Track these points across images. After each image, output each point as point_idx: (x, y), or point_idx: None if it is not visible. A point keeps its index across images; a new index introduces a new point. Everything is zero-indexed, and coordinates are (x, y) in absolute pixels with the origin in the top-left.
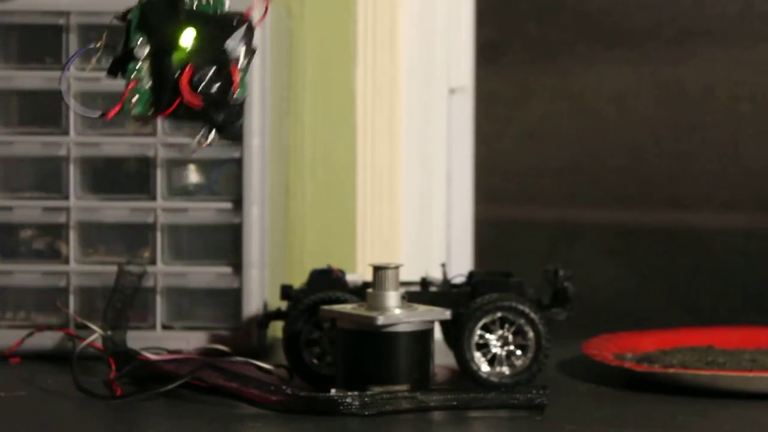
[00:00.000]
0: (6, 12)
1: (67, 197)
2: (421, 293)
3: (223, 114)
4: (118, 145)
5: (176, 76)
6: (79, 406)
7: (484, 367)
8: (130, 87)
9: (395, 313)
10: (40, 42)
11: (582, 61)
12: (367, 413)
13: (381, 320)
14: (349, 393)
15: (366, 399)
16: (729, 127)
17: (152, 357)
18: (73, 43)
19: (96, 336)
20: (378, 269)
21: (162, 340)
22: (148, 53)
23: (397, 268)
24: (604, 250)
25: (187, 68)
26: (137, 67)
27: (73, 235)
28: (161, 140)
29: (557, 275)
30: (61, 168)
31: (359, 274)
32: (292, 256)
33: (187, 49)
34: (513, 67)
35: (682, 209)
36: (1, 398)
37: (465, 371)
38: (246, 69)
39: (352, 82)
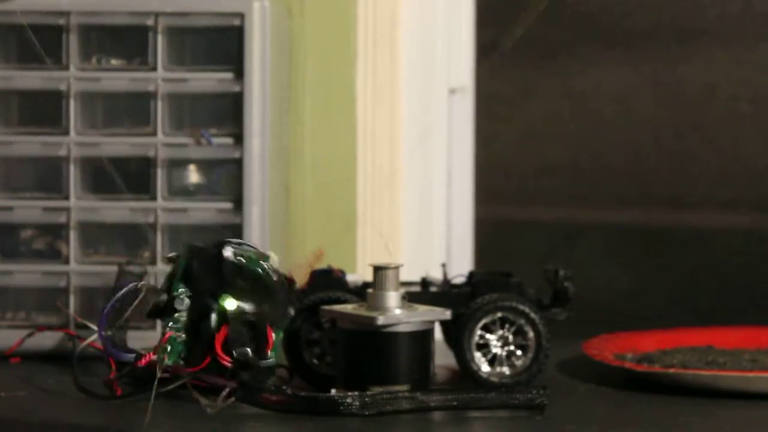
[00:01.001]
0: (6, 12)
1: (67, 197)
2: (421, 293)
3: (251, 374)
4: (118, 145)
5: (210, 334)
6: (79, 406)
7: (485, 367)
8: (166, 337)
9: (395, 313)
10: (40, 42)
11: (582, 61)
12: (367, 413)
13: (381, 320)
14: (349, 393)
15: (366, 399)
16: (729, 127)
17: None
18: (73, 43)
19: (96, 336)
20: (378, 269)
21: None
22: (187, 306)
23: (397, 268)
24: (604, 250)
25: (223, 328)
26: (175, 318)
27: (73, 235)
28: (161, 140)
29: (557, 275)
30: (61, 168)
31: (359, 274)
32: (292, 255)
33: (227, 309)
34: (513, 67)
35: (682, 209)
36: (1, 398)
37: (465, 371)
38: (281, 331)
39: (352, 82)
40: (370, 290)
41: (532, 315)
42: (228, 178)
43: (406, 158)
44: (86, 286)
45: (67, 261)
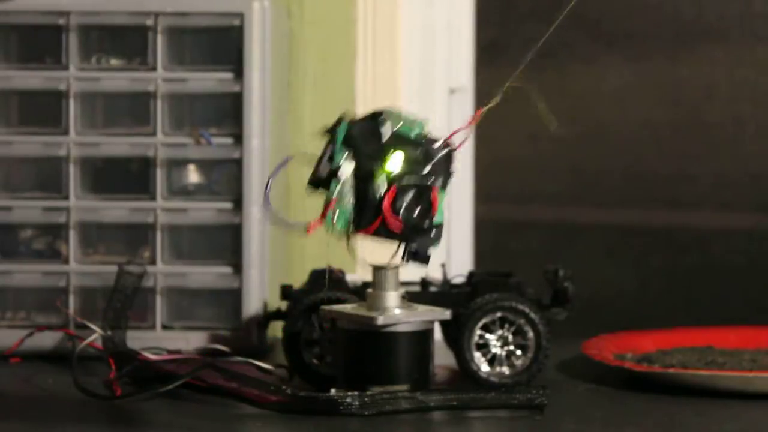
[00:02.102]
0: (6, 12)
1: (67, 197)
2: (421, 293)
3: (420, 238)
4: (118, 145)
5: (379, 197)
6: (79, 406)
7: (484, 367)
8: (332, 204)
9: (395, 313)
10: (40, 42)
11: (582, 61)
12: (367, 413)
13: (381, 320)
14: (349, 393)
15: (366, 399)
16: (729, 127)
17: (152, 357)
18: (73, 43)
19: (96, 336)
20: (378, 269)
21: (162, 340)
22: (352, 172)
23: (397, 268)
24: (604, 250)
25: (390, 191)
26: (340, 185)
27: (73, 235)
28: (161, 140)
29: (557, 275)
30: (61, 168)
31: (359, 274)
32: (292, 256)
33: (391, 172)
34: (513, 67)
35: (682, 209)
36: (1, 398)
37: (465, 371)
38: (445, 194)
39: (352, 82)
40: (369, 290)
41: (532, 315)
42: (228, 178)
43: None
44: (86, 286)
45: (66, 261)
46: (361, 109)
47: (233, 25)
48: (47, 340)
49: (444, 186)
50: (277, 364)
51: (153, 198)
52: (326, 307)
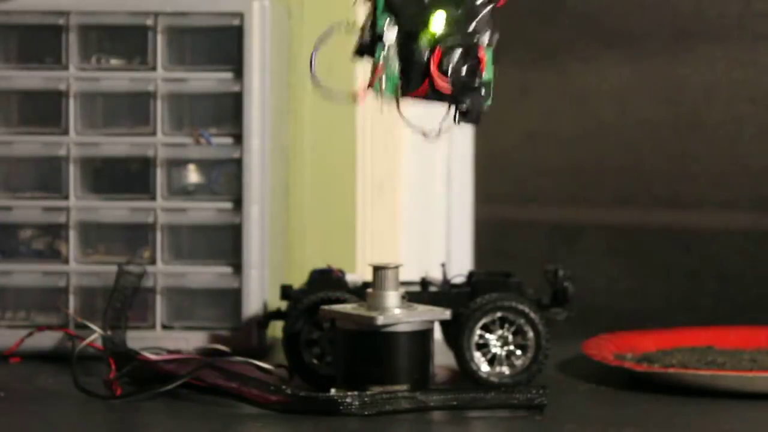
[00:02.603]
0: (6, 12)
1: (67, 197)
2: (421, 293)
3: (471, 97)
4: (118, 145)
5: (425, 59)
6: (79, 406)
7: (484, 367)
8: (379, 70)
9: (395, 313)
10: (40, 42)
11: (582, 61)
12: (367, 413)
13: (381, 320)
14: (349, 393)
15: (366, 399)
16: (729, 127)
17: (152, 357)
18: (73, 43)
19: (96, 336)
20: (378, 269)
21: (162, 340)
22: (396, 36)
23: (397, 268)
24: (604, 250)
25: (436, 51)
26: (386, 50)
27: (73, 235)
28: (161, 140)
29: (557, 275)
30: (61, 168)
31: (359, 274)
32: (292, 256)
33: (436, 33)
34: (513, 67)
35: (682, 209)
36: (1, 398)
37: (465, 371)
38: (491, 50)
39: (352, 81)
40: (369, 290)
41: (532, 315)
42: (228, 178)
43: (406, 158)
44: (86, 286)
45: (66, 261)
46: (361, 110)
47: (233, 25)
48: (47, 340)
49: (490, 43)
50: (277, 364)
51: (153, 198)
52: (326, 307)
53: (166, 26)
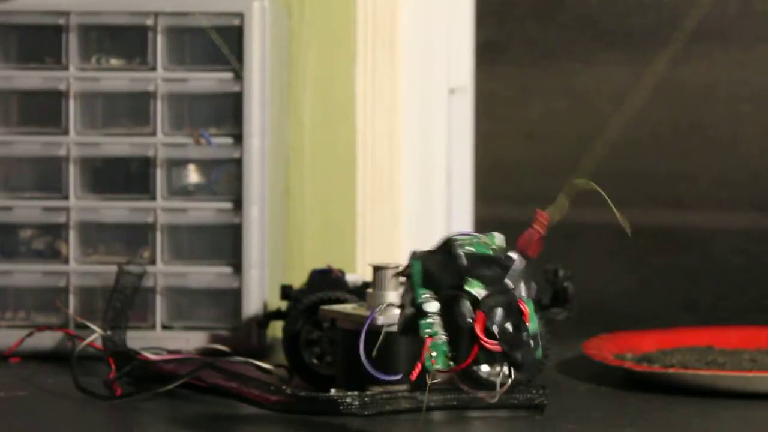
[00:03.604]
0: (6, 12)
1: (67, 197)
2: None
3: (522, 352)
4: (118, 145)
5: (469, 324)
6: (79, 406)
7: (484, 367)
8: (428, 344)
9: (395, 313)
10: (40, 42)
11: (582, 61)
12: (367, 413)
13: (381, 320)
14: (349, 393)
15: (366, 399)
16: (729, 127)
17: (152, 357)
18: (72, 43)
19: (96, 336)
20: (378, 269)
21: (162, 340)
22: (438, 308)
23: (397, 268)
24: (604, 250)
25: (478, 314)
26: (429, 323)
27: (73, 235)
28: (161, 140)
29: (557, 275)
30: (61, 168)
31: (359, 274)
32: (292, 256)
33: (475, 297)
34: (513, 67)
35: (682, 209)
36: (1, 398)
37: (465, 371)
38: (531, 301)
39: (352, 82)
40: (369, 290)
41: None
42: (228, 178)
43: (406, 158)
44: (86, 286)
45: (66, 261)
46: (361, 110)
47: (233, 25)
48: (47, 340)
49: (529, 294)
50: (277, 364)
51: (153, 198)
52: (326, 307)
53: (166, 26)
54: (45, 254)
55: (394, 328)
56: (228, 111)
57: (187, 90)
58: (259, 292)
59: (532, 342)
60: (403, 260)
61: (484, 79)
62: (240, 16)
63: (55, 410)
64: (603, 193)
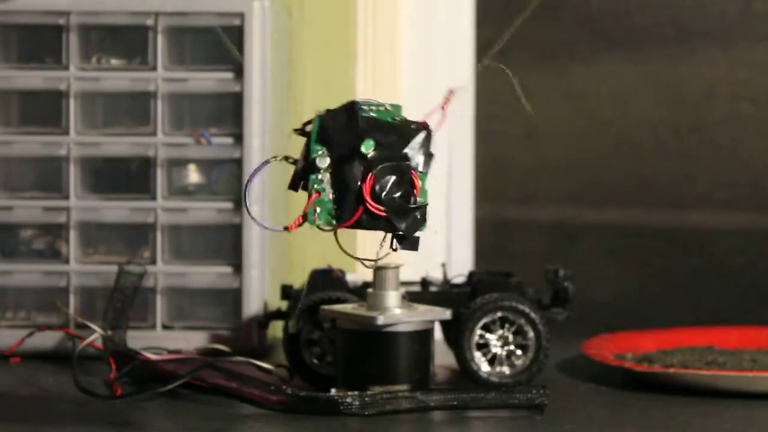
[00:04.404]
0: (6, 12)
1: (67, 197)
2: (421, 293)
3: (406, 221)
4: (119, 145)
5: (358, 185)
6: (79, 406)
7: (484, 367)
8: (312, 198)
9: (395, 313)
10: (40, 42)
11: (582, 61)
12: (367, 413)
13: (381, 320)
14: (349, 393)
15: (366, 399)
16: (729, 127)
17: (152, 357)
18: (73, 43)
19: (96, 336)
20: (378, 269)
21: (162, 340)
22: (329, 164)
23: (397, 268)
24: (604, 250)
25: (369, 177)
26: (318, 179)
27: (73, 235)
28: (161, 140)
29: (557, 275)
30: (61, 168)
31: (359, 274)
32: (292, 256)
33: (368, 159)
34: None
35: (682, 209)
36: (1, 398)
37: (465, 371)
38: (426, 175)
39: (352, 82)
40: (370, 290)
41: (532, 315)
42: (228, 178)
43: None
44: (86, 285)
45: (66, 261)
46: None
47: (233, 25)
48: (47, 340)
49: (425, 168)
50: (277, 364)
51: (153, 198)
52: (326, 307)
53: (166, 26)
54: (45, 254)
55: (394, 329)
56: (228, 111)
57: (187, 90)
58: (259, 292)
59: (417, 215)
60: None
61: (484, 79)
62: (240, 16)
63: (55, 410)
64: (509, 72)
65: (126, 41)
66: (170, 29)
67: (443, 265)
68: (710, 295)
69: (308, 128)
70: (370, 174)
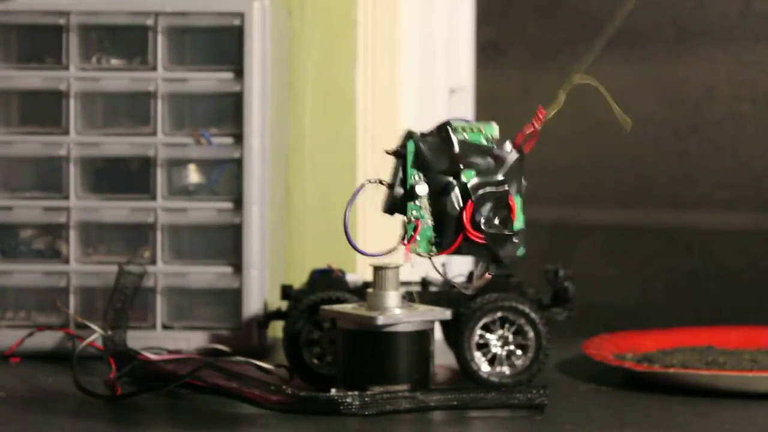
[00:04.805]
0: (6, 12)
1: (67, 197)
2: (421, 293)
3: (504, 247)
4: (119, 145)
5: (457, 213)
6: (79, 406)
7: (484, 367)
8: (415, 226)
9: (395, 313)
10: (40, 42)
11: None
12: (367, 413)
13: (381, 320)
14: (349, 393)
15: (366, 399)
16: (729, 127)
17: (152, 357)
18: (73, 43)
19: (96, 336)
20: (378, 269)
21: (162, 340)
22: (427, 191)
23: (397, 268)
24: (604, 250)
25: (468, 205)
26: (417, 205)
27: (73, 235)
28: (161, 140)
29: (557, 275)
30: (61, 168)
31: (359, 274)
32: (292, 256)
33: (467, 184)
34: (513, 67)
35: (682, 209)
36: (1, 398)
37: (465, 371)
38: (521, 198)
39: (353, 82)
40: (369, 290)
41: (532, 315)
42: (228, 178)
43: None
44: (86, 285)
45: (66, 261)
46: (361, 109)
47: (233, 25)
48: (47, 340)
49: (519, 190)
50: (277, 364)
51: (153, 198)
52: (326, 307)
53: (166, 26)
54: (45, 254)
55: (394, 329)
56: (228, 111)
57: (187, 90)
58: (259, 292)
59: (515, 239)
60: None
61: (484, 79)
62: (240, 16)
63: (55, 410)
64: (602, 89)
65: (126, 41)
66: (170, 29)
67: (443, 265)
68: (710, 295)
69: (403, 151)
70: (470, 201)
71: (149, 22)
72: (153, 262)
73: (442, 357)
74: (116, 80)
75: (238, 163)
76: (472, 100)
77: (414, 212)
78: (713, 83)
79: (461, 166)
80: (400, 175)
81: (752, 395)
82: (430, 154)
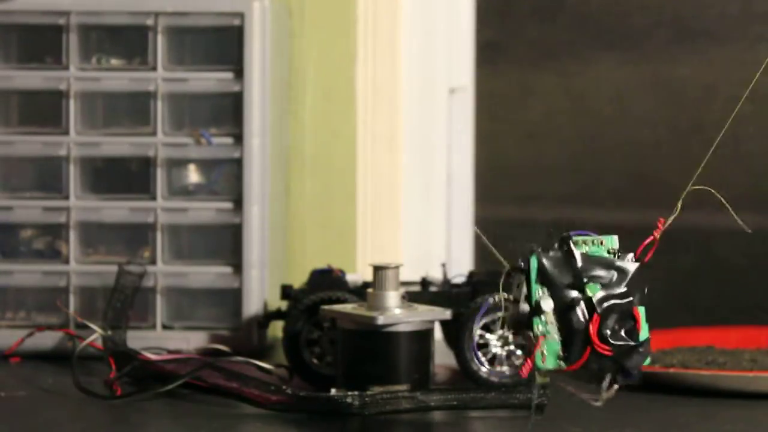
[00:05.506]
0: (6, 12)
1: (67, 197)
2: (421, 293)
3: (631, 359)
4: (119, 145)
5: (584, 327)
6: (79, 406)
7: (484, 367)
8: (540, 342)
9: (395, 313)
10: (40, 42)
11: (582, 61)
12: (367, 413)
13: (381, 320)
14: (349, 393)
15: (366, 399)
16: (729, 127)
17: (152, 357)
18: (73, 43)
19: (96, 336)
20: (378, 269)
21: (162, 340)
22: (552, 306)
23: (397, 268)
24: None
25: (594, 317)
26: (543, 320)
27: (73, 235)
28: (161, 140)
29: None
30: (61, 168)
31: (359, 274)
32: (292, 256)
33: (591, 298)
34: (513, 67)
35: (682, 209)
36: (1, 398)
37: (465, 371)
38: (645, 308)
39: (352, 82)
40: (369, 290)
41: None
42: (228, 178)
43: (406, 158)
44: (86, 285)
45: (66, 261)
46: (361, 109)
47: (233, 25)
48: (47, 340)
49: (641, 301)
50: (277, 364)
51: (153, 198)
52: (326, 307)
53: (166, 26)
54: (45, 254)
55: (394, 328)
56: (228, 111)
57: (187, 90)
58: (259, 292)
59: (642, 349)
60: (403, 260)
61: (484, 79)
62: (240, 16)
63: (55, 410)
64: (722, 198)
65: (126, 41)
66: (170, 29)
67: (443, 265)
68: (710, 295)
69: (526, 266)
70: (596, 315)
71: (149, 22)
72: (153, 262)
73: (442, 357)
74: (116, 80)
75: (238, 163)
76: (472, 100)
77: (540, 327)
78: (713, 83)
79: (585, 280)
80: (524, 291)
81: (752, 395)
82: (553, 270)
